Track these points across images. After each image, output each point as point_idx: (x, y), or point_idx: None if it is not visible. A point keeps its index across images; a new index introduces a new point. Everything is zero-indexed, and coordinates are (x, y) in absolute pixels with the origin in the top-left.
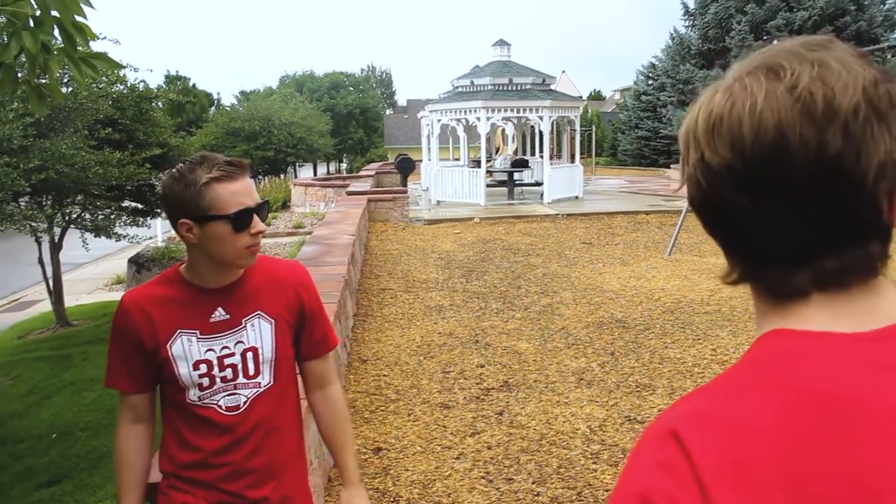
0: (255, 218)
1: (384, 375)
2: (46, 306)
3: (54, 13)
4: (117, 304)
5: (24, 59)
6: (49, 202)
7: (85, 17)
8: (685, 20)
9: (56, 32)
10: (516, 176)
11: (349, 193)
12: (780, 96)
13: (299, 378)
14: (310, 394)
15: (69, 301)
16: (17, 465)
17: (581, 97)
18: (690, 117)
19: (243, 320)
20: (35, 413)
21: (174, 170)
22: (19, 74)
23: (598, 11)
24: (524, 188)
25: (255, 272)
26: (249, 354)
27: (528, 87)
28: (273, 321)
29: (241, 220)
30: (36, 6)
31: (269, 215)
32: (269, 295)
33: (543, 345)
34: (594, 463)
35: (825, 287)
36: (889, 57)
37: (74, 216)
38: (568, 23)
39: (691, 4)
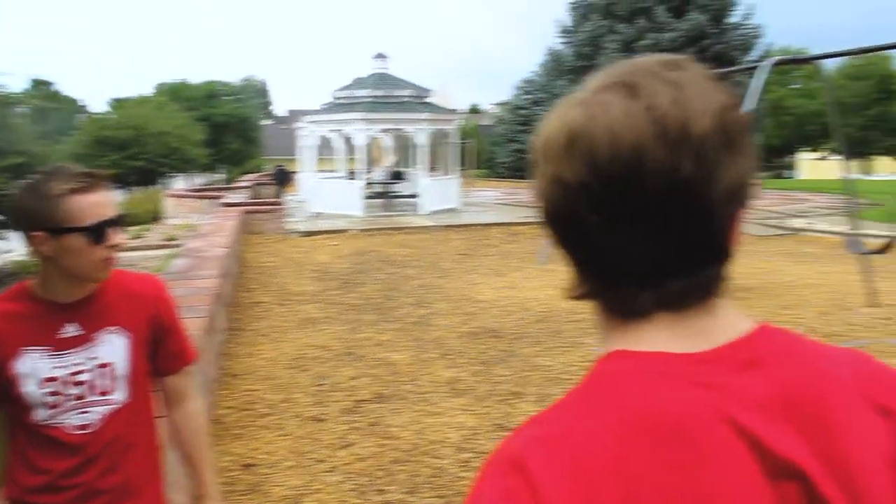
0: (111, 230)
1: (256, 390)
2: None
3: None
4: None
5: None
6: None
7: None
8: (561, 37)
9: None
10: (394, 188)
11: (224, 205)
12: (637, 116)
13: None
14: (168, 410)
15: None
16: None
17: (458, 110)
18: (546, 130)
19: (96, 335)
20: None
21: (28, 182)
22: None
23: (478, 26)
24: (402, 200)
25: (109, 286)
26: (103, 370)
27: (407, 99)
28: (128, 336)
29: (97, 232)
30: None
31: (140, 228)
32: (123, 309)
33: (417, 356)
34: (465, 471)
35: (669, 307)
36: (743, 78)
37: None
38: (448, 37)
39: (567, 22)
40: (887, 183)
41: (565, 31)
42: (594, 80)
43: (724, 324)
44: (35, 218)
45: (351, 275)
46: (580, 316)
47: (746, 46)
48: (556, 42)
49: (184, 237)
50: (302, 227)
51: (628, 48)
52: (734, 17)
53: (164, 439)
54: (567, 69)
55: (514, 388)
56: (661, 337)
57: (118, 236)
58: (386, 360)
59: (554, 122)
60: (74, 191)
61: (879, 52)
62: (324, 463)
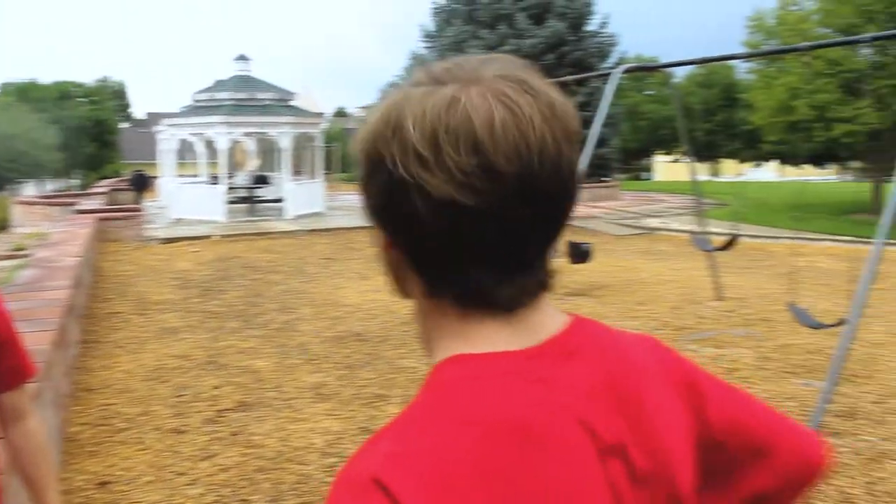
0: None
1: (112, 404)
2: None
3: None
4: None
5: None
6: None
7: None
8: (424, 42)
9: None
10: (258, 192)
11: (78, 212)
12: (537, 113)
13: None
14: (6, 429)
15: None
16: None
17: (322, 114)
18: (414, 119)
19: None
20: None
21: None
22: None
23: (344, 30)
24: (266, 205)
25: None
26: None
27: (269, 102)
28: None
29: None
30: None
31: None
32: None
33: (281, 362)
34: (330, 476)
35: (510, 306)
36: (600, 84)
37: None
38: (313, 40)
39: (430, 27)
40: (732, 184)
41: (429, 36)
42: (486, 72)
43: (545, 318)
44: None
45: (213, 282)
46: None
47: (603, 54)
48: (420, 46)
49: (33, 246)
50: (162, 234)
51: (490, 53)
52: (591, 26)
53: (4, 463)
54: None
55: (380, 390)
56: (500, 335)
57: None
58: (249, 368)
59: (419, 111)
60: None
61: (724, 63)
62: (185, 476)
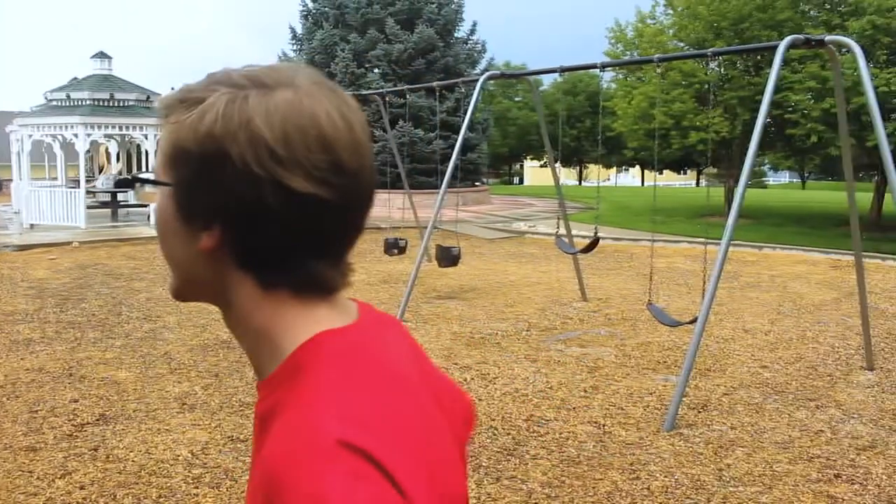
0: None
1: None
2: None
3: None
4: None
5: None
6: None
7: None
8: (293, 44)
9: None
10: (121, 196)
11: None
12: (357, 117)
13: None
14: None
15: None
16: None
17: None
18: (262, 118)
19: None
20: None
21: None
22: None
23: (209, 27)
24: (130, 209)
25: None
26: None
27: (132, 103)
28: None
29: None
30: None
31: None
32: None
33: (145, 372)
34: (196, 487)
35: (336, 290)
36: (469, 90)
37: None
38: (176, 38)
39: (299, 30)
40: (596, 189)
41: (298, 39)
42: (301, 78)
43: (346, 300)
44: None
45: (72, 290)
46: None
47: (472, 61)
48: (289, 49)
49: None
50: (16, 241)
51: (360, 58)
52: (460, 33)
53: None
54: None
55: (248, 398)
56: (333, 315)
57: None
58: (111, 379)
59: (293, 115)
60: None
61: (588, 71)
62: (38, 496)
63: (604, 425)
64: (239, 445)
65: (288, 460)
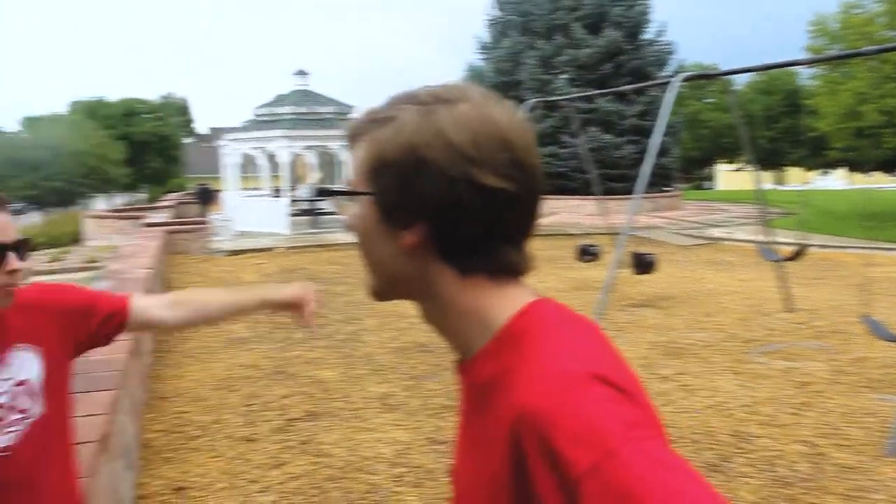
0: (10, 255)
1: (185, 412)
2: None
3: None
4: None
5: None
6: None
7: None
8: (480, 54)
9: None
10: (320, 205)
11: (146, 225)
12: (523, 122)
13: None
14: (165, 315)
15: None
16: None
17: None
18: (453, 127)
19: (7, 356)
20: None
21: None
22: None
23: (397, 43)
24: (328, 217)
25: (11, 305)
26: (20, 388)
27: (329, 116)
28: (36, 348)
29: None
30: None
31: (60, 250)
32: (26, 324)
33: (347, 372)
34: (399, 485)
35: (524, 272)
36: (659, 93)
37: None
38: (371, 54)
39: (486, 39)
40: (798, 193)
41: (485, 48)
42: (473, 93)
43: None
44: None
45: None
46: None
47: (661, 62)
48: (476, 59)
49: (105, 259)
50: (227, 247)
51: (547, 64)
52: (648, 34)
53: (186, 324)
54: (487, 85)
55: (446, 401)
56: (525, 294)
57: (16, 262)
58: (316, 378)
59: (477, 123)
60: None
61: (786, 69)
62: (257, 483)
63: (817, 445)
64: (438, 447)
65: (549, 398)
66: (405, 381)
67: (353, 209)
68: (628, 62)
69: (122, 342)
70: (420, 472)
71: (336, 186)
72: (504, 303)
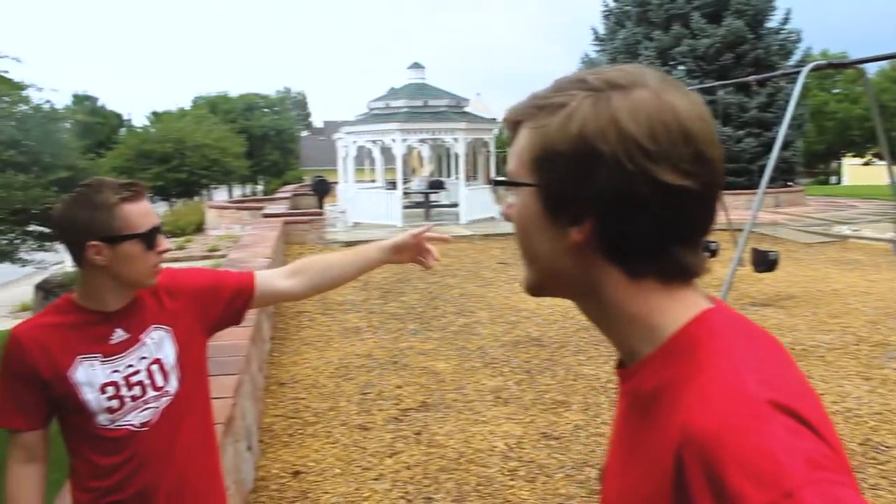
0: (161, 237)
1: (302, 398)
2: None
3: None
4: (8, 338)
5: None
6: None
7: None
8: (595, 45)
9: None
10: (433, 197)
11: (265, 216)
12: (705, 111)
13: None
14: (291, 283)
15: None
16: None
17: (495, 119)
18: (629, 117)
19: (142, 336)
20: None
21: (75, 194)
22: None
23: (512, 35)
24: (441, 209)
25: (141, 290)
26: (155, 367)
27: (444, 109)
28: (169, 328)
29: (151, 238)
30: None
31: (184, 239)
32: (156, 306)
33: (461, 364)
34: (512, 479)
35: (698, 274)
36: (783, 83)
37: None
38: (482, 46)
39: (601, 30)
40: None
41: (600, 39)
42: (649, 77)
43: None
44: (90, 228)
45: (392, 284)
46: None
47: (786, 52)
48: (591, 50)
49: (226, 248)
50: (342, 237)
51: (664, 55)
52: (772, 23)
53: (313, 289)
54: None
55: (559, 396)
56: (698, 297)
57: (166, 243)
58: (430, 369)
59: (655, 111)
60: (125, 200)
61: None
62: (371, 471)
63: None
64: (552, 443)
65: (722, 423)
66: (518, 374)
67: (512, 199)
68: (750, 52)
69: (244, 328)
70: (533, 467)
71: (498, 176)
72: (676, 308)
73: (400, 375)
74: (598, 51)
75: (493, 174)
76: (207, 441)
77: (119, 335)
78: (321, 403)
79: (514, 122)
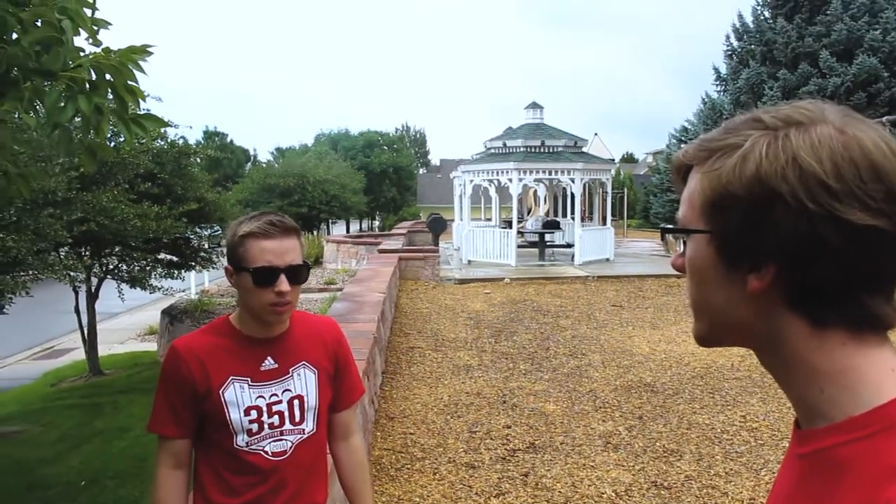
0: (281, 278)
1: (411, 433)
2: (80, 354)
3: (108, 77)
4: (168, 351)
5: (78, 120)
6: (88, 253)
7: (137, 82)
8: (717, 85)
9: (109, 95)
10: (547, 237)
11: (381, 251)
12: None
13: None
14: (334, 443)
15: (102, 350)
16: None
17: (613, 160)
18: (811, 155)
19: (290, 370)
20: (65, 460)
21: (237, 220)
22: (77, 136)
23: (631, 75)
24: (555, 249)
25: (296, 326)
26: (296, 402)
27: (561, 149)
28: (316, 371)
29: (261, 276)
30: (93, 72)
31: None
32: (310, 347)
33: (571, 407)
34: None
35: (892, 326)
36: None
37: (111, 267)
38: (601, 86)
39: (723, 70)
40: None
41: (722, 79)
42: (832, 114)
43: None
44: (228, 252)
45: (504, 323)
46: (740, 373)
47: None
48: (712, 90)
49: (342, 281)
50: (456, 275)
51: (790, 95)
52: None
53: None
54: (724, 118)
55: (671, 445)
56: (893, 358)
57: (285, 284)
58: (540, 410)
59: (840, 148)
60: (253, 235)
61: None
62: None
63: None
64: (662, 492)
65: None
66: (629, 420)
67: (686, 247)
68: (885, 90)
69: (359, 361)
70: None
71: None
72: (880, 375)
73: (509, 415)
74: (720, 91)
75: (608, 215)
76: (325, 475)
77: (269, 363)
78: (429, 440)
79: (683, 167)
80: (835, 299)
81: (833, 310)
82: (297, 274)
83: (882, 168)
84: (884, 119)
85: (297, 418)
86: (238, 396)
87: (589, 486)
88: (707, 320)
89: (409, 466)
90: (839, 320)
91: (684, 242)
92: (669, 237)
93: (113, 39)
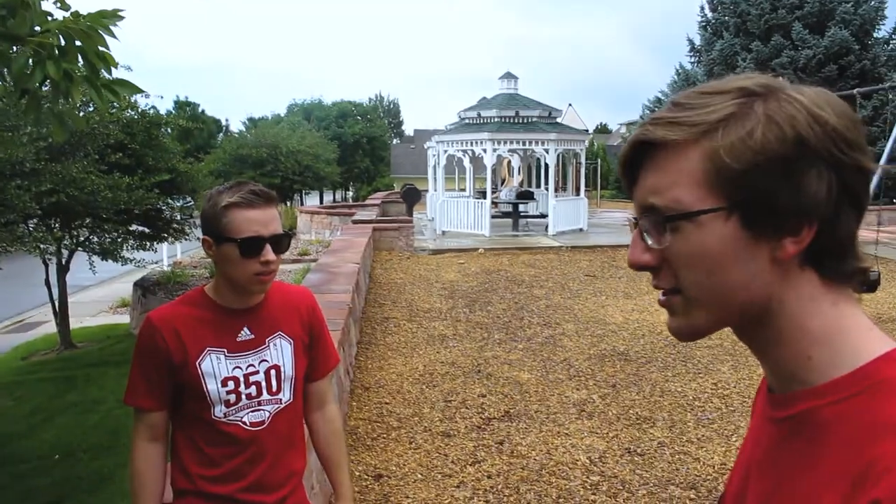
0: (267, 247)
1: (386, 403)
2: (51, 328)
3: (78, 43)
4: (143, 323)
5: (47, 87)
6: (58, 225)
7: (108, 48)
8: (691, 56)
9: (80, 62)
10: (521, 208)
11: (355, 222)
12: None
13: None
14: (310, 413)
15: (74, 323)
16: (19, 485)
17: (587, 131)
18: (831, 114)
19: (267, 340)
20: (38, 434)
21: (212, 191)
22: (45, 105)
23: (605, 46)
24: (529, 220)
25: (272, 296)
26: (272, 372)
27: (535, 119)
28: (292, 341)
29: (248, 246)
30: (62, 38)
31: None
32: (286, 317)
33: (545, 376)
34: (594, 494)
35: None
36: (891, 97)
37: (82, 239)
38: (575, 56)
39: (697, 41)
40: None
41: (696, 50)
42: (780, 80)
43: None
44: (206, 224)
45: (479, 293)
46: (712, 342)
47: (894, 62)
48: (686, 61)
49: (316, 252)
50: (430, 246)
51: (763, 66)
52: (881, 32)
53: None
54: None
55: (644, 412)
56: (868, 321)
57: (271, 254)
58: (514, 379)
59: (836, 103)
60: (237, 205)
61: None
62: (452, 478)
63: None
64: (636, 458)
65: None
66: (603, 388)
67: (672, 237)
68: (855, 63)
69: (334, 332)
70: (615, 483)
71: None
72: (859, 333)
73: (484, 384)
74: (694, 62)
75: (582, 186)
76: (303, 445)
77: (245, 334)
78: (405, 409)
79: (664, 147)
80: (839, 255)
81: (834, 267)
82: (281, 243)
83: (857, 119)
84: (854, 91)
85: (275, 388)
86: (215, 367)
87: (563, 453)
88: (716, 309)
89: (385, 436)
90: (839, 277)
91: (660, 233)
92: (650, 233)
93: (82, 3)
